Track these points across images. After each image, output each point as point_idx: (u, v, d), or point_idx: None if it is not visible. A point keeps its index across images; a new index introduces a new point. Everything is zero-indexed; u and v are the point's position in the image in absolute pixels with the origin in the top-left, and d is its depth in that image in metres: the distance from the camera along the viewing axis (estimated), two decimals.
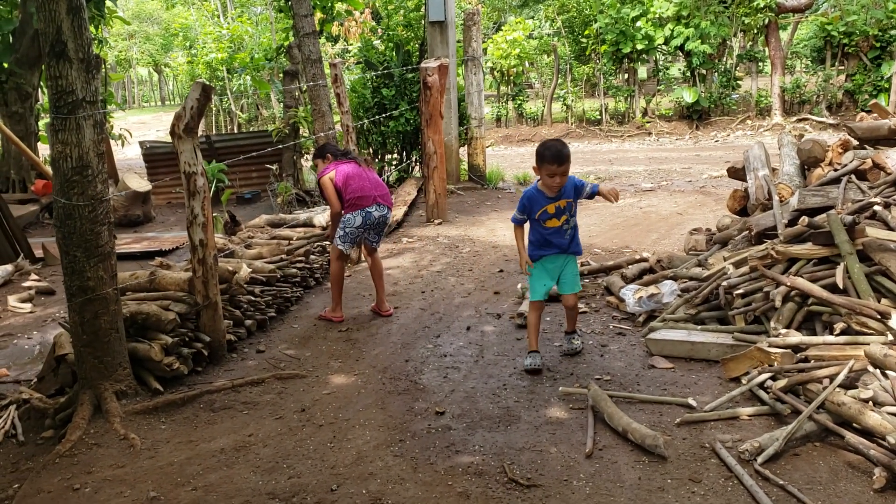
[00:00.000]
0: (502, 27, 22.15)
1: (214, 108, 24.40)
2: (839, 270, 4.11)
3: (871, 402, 3.43)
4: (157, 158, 12.95)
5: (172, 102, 53.23)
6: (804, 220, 4.54)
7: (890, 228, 4.34)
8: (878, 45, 17.47)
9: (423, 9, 11.48)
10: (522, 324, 5.59)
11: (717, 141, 17.46)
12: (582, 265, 7.01)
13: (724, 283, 4.78)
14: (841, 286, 4.10)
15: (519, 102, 21.07)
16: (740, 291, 4.59)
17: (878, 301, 4.01)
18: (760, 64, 19.46)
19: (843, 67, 18.29)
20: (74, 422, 4.43)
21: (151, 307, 4.97)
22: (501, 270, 7.26)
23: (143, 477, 3.79)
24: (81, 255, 4.48)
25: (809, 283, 4.13)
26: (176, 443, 4.17)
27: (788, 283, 4.07)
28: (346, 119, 7.67)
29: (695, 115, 18.87)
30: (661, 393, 4.31)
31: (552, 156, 4.44)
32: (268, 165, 11.05)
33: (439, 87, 9.25)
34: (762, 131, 17.89)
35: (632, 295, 5.55)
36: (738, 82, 19.38)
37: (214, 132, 23.87)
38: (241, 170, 12.30)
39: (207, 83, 5.09)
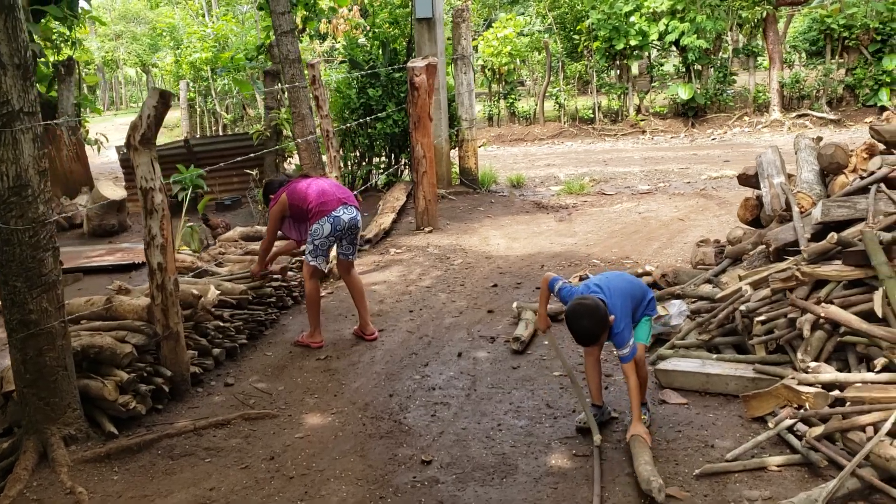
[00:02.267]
0: (492, 24, 21.61)
1: (199, 109, 23.80)
2: (877, 297, 3.63)
3: None
4: None
5: None
6: (833, 236, 4.06)
7: None
8: (878, 38, 17.01)
9: (409, 5, 10.96)
10: (518, 349, 5.10)
11: (713, 139, 16.99)
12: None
13: (743, 308, 4.30)
14: (880, 314, 3.62)
15: (511, 101, 20.56)
16: (761, 318, 4.10)
17: None
18: (758, 59, 18.99)
19: (842, 61, 17.85)
20: (15, 473, 3.93)
21: (105, 339, 4.46)
22: (496, 285, 6.77)
23: None
24: (22, 285, 3.98)
25: (845, 312, 3.64)
26: (129, 497, 3.68)
27: (823, 314, 3.59)
28: (325, 123, 7.16)
29: (690, 113, 18.40)
30: (675, 435, 3.82)
31: (578, 339, 3.69)
32: (247, 171, 10.52)
33: (427, 88, 8.74)
34: (760, 128, 17.43)
35: None
36: (734, 77, 18.91)
37: (199, 133, 23.29)
38: (221, 174, 11.73)
39: (165, 89, 4.59)
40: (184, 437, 4.20)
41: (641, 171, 12.95)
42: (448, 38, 11.53)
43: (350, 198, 5.43)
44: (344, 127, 11.01)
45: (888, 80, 16.94)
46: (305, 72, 7.55)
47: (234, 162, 9.98)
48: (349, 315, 6.07)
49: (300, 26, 11.33)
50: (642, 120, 18.77)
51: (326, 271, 6.94)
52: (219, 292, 5.39)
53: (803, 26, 19.99)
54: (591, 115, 19.61)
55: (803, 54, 20.72)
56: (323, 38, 21.75)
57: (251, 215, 10.49)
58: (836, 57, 17.90)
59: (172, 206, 11.38)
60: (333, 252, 6.02)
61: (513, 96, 20.59)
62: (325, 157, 7.62)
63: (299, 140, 7.82)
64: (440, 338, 5.51)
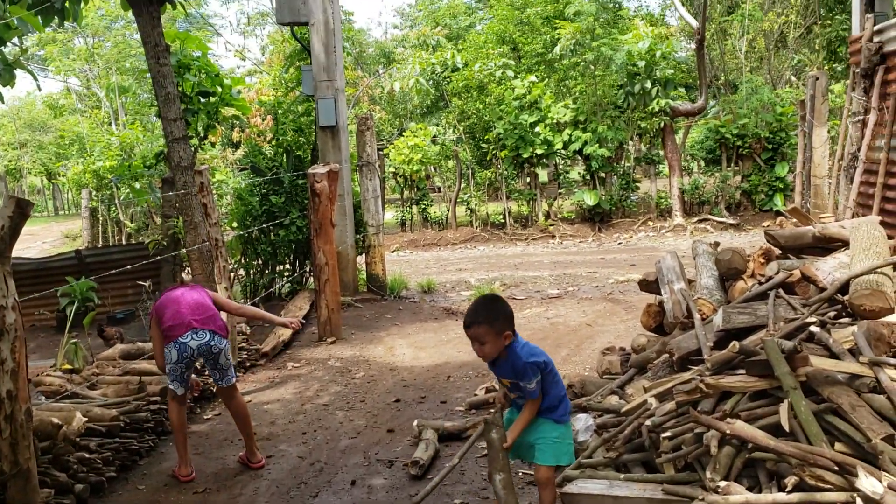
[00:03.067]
0: (403, 133, 21.94)
1: (101, 218, 23.05)
2: (783, 410, 3.46)
3: None
4: (21, 277, 11.64)
5: (67, 212, 51.03)
6: (734, 345, 3.91)
7: (833, 354, 3.75)
8: (770, 146, 17.95)
9: (313, 114, 10.89)
10: (417, 474, 4.71)
11: (620, 243, 17.32)
12: (488, 391, 6.24)
13: (648, 422, 4.07)
14: (787, 428, 3.43)
15: (423, 206, 20.68)
16: (667, 434, 3.87)
17: (832, 446, 3.35)
18: (659, 166, 19.74)
19: (738, 168, 18.69)
20: None
21: None
22: (398, 400, 6.40)
23: None
24: None
25: (752, 428, 3.45)
26: None
27: (729, 431, 3.38)
28: (213, 232, 6.82)
29: (597, 218, 18.81)
30: None
31: (465, 318, 3.51)
32: (139, 282, 9.98)
33: (329, 194, 8.55)
34: (664, 232, 17.90)
35: None
36: (637, 184, 19.55)
37: (101, 243, 22.47)
38: (114, 286, 11.16)
39: (23, 198, 4.21)
40: None
41: (551, 276, 12.95)
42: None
43: (207, 319, 4.90)
44: (246, 234, 10.67)
45: (781, 185, 17.77)
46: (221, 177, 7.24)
47: (124, 272, 9.48)
48: (236, 440, 5.56)
49: (202, 134, 11.06)
50: (551, 225, 19.06)
51: (193, 394, 6.42)
52: (86, 419, 4.85)
53: (700, 136, 20.94)
54: (503, 220, 19.82)
55: (701, 162, 21.69)
56: (236, 146, 21.52)
57: (143, 329, 9.87)
58: (732, 164, 18.74)
59: (60, 321, 10.79)
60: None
61: (425, 202, 20.72)
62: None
63: (191, 248, 7.43)
64: (334, 463, 5.07)
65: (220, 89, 11.11)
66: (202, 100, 10.97)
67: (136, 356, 6.68)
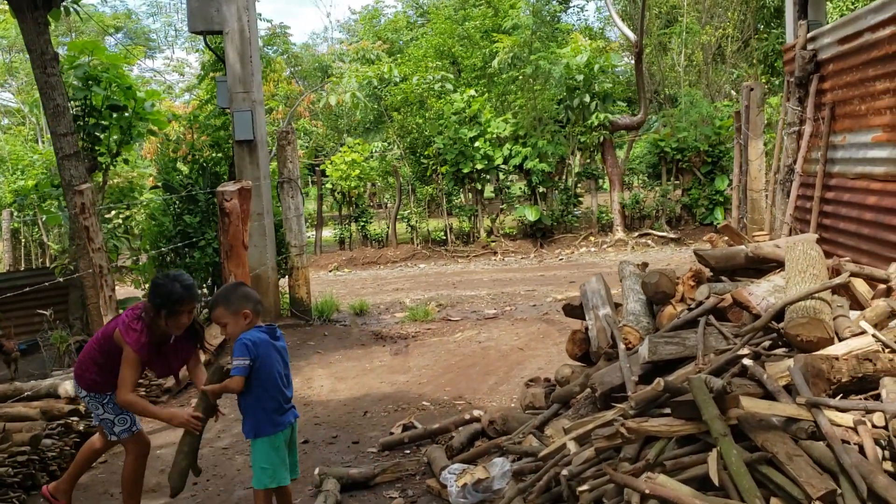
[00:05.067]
0: (340, 149, 21.35)
1: (24, 240, 21.93)
2: (712, 461, 2.99)
3: None
4: None
5: None
6: (659, 382, 3.45)
7: (768, 393, 3.31)
8: (709, 160, 17.86)
9: (231, 127, 10.26)
10: None
11: (561, 259, 16.99)
12: (405, 429, 5.71)
13: (565, 472, 3.57)
14: (716, 482, 2.97)
15: (363, 224, 20.11)
16: (585, 487, 3.38)
17: (767, 502, 2.89)
18: (600, 181, 19.52)
19: (678, 182, 18.55)
20: None
21: None
22: (306, 441, 5.83)
23: None
24: None
25: (675, 485, 2.97)
26: None
27: (648, 490, 2.90)
28: (97, 258, 6.17)
29: (538, 234, 18.48)
30: None
31: None
32: (40, 311, 9.19)
33: (240, 214, 7.95)
34: (606, 247, 17.64)
35: (455, 480, 4.25)
36: (579, 199, 19.30)
37: (24, 266, 21.36)
38: (18, 315, 10.31)
39: None
40: None
41: (489, 294, 12.49)
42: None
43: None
44: (158, 256, 9.97)
45: (721, 199, 17.67)
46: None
47: (28, 299, 8.78)
48: (117, 492, 4.91)
49: (115, 150, 10.36)
50: (493, 241, 18.66)
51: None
52: None
53: (642, 150, 20.83)
54: (444, 237, 19.36)
55: (641, 176, 21.54)
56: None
57: (45, 362, 9.07)
58: (672, 178, 18.60)
59: None
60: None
61: (364, 219, 20.17)
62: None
63: (83, 274, 6.76)
64: None
65: (133, 103, 10.44)
66: (113, 114, 10.29)
67: (11, 396, 5.94)
